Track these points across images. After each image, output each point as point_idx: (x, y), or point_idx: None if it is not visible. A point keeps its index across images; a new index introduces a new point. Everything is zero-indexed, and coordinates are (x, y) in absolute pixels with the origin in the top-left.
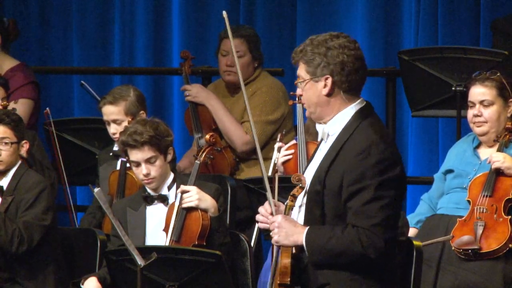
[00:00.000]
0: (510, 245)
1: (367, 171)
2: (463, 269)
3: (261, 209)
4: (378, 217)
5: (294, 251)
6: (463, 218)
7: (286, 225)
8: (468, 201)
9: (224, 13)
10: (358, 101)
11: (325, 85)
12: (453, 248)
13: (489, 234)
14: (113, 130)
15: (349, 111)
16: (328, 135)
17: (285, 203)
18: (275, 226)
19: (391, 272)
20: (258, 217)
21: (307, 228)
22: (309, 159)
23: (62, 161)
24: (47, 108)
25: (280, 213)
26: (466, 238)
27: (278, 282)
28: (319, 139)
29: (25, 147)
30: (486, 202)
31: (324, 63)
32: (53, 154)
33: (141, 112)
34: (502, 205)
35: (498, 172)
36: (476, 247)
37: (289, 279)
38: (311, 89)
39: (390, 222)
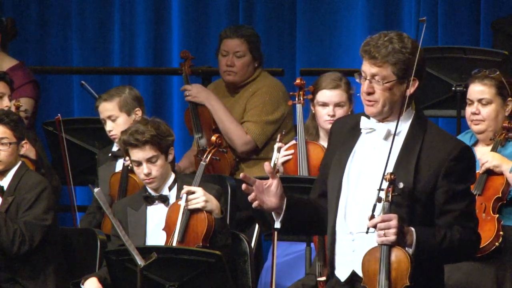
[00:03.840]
0: (496, 243)
1: (466, 174)
2: (455, 269)
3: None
4: (476, 218)
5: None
6: None
7: (399, 225)
8: None
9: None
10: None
11: (411, 86)
12: None
13: None
14: (109, 127)
15: (410, 112)
16: (390, 133)
17: (382, 202)
18: (392, 225)
19: None
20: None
21: (413, 228)
22: (344, 156)
23: (65, 161)
24: (59, 115)
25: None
26: None
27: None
28: (381, 136)
29: (25, 147)
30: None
31: (416, 67)
32: (52, 154)
33: (137, 109)
34: (491, 204)
35: (489, 171)
36: None
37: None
38: (394, 88)
39: None
